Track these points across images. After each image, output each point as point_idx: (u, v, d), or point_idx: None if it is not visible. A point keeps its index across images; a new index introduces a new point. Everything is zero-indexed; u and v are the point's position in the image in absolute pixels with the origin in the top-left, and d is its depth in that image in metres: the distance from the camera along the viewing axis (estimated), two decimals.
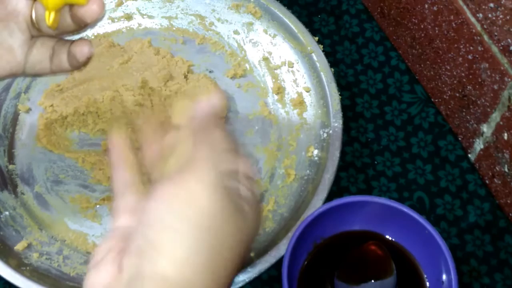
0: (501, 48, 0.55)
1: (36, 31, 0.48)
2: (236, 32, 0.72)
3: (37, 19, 0.47)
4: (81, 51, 0.49)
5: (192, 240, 0.36)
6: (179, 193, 0.37)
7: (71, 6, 0.46)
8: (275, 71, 0.70)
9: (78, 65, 0.50)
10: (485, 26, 0.56)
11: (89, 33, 0.72)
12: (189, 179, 0.37)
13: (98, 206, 0.64)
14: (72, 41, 0.50)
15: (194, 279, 0.36)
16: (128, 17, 0.73)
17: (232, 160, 0.40)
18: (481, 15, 0.56)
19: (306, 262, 0.56)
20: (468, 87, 0.62)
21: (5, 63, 0.48)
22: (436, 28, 0.63)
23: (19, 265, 0.59)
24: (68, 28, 0.48)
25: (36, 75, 0.52)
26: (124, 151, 0.43)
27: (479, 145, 0.64)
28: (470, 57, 0.60)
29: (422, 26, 0.66)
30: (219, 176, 0.38)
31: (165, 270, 0.35)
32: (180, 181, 0.37)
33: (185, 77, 0.69)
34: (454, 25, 0.60)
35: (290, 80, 0.69)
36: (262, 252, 0.59)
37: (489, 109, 0.60)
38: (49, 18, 0.46)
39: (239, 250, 0.38)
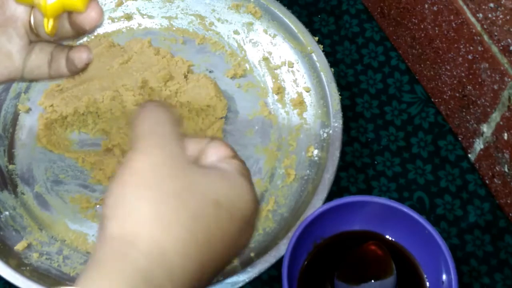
0: (501, 48, 0.55)
1: (34, 37, 0.48)
2: (236, 32, 0.72)
3: (35, 25, 0.47)
4: (80, 57, 0.49)
5: (130, 199, 0.37)
6: (122, 169, 0.38)
7: (69, 13, 0.46)
8: (275, 71, 0.70)
9: (77, 71, 0.50)
10: (485, 26, 0.56)
11: None
12: (128, 155, 0.39)
13: (98, 206, 0.64)
14: (71, 47, 0.50)
15: (136, 231, 0.36)
16: (128, 17, 0.73)
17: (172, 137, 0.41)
18: (481, 15, 0.56)
19: (306, 262, 0.56)
20: (468, 87, 0.62)
21: (3, 68, 0.48)
22: (436, 28, 0.63)
23: (19, 265, 0.59)
24: (66, 34, 0.48)
25: (34, 80, 0.52)
26: None
27: (479, 145, 0.64)
28: (470, 57, 0.60)
29: (422, 26, 0.66)
30: (151, 143, 0.39)
31: (111, 231, 0.37)
32: (126, 160, 0.39)
33: (185, 77, 0.69)
34: (454, 25, 0.60)
35: (290, 80, 0.69)
36: (262, 252, 0.59)
37: (489, 109, 0.60)
38: (48, 25, 0.46)
39: (202, 210, 0.38)
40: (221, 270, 0.41)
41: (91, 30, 0.47)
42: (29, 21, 0.47)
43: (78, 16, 0.46)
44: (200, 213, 0.37)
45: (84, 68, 0.50)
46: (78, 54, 0.49)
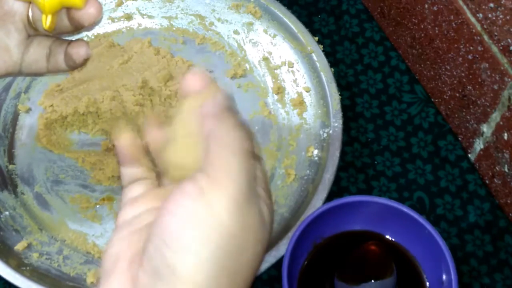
0: (501, 48, 0.55)
1: (32, 31, 0.48)
2: (236, 32, 0.72)
3: (34, 19, 0.47)
4: (78, 52, 0.49)
5: (211, 265, 0.33)
6: (199, 210, 0.34)
7: (68, 8, 0.46)
8: (275, 71, 0.70)
9: (75, 66, 0.50)
10: (485, 26, 0.56)
11: (89, 33, 0.72)
12: (210, 194, 0.34)
13: (98, 206, 0.64)
14: (69, 42, 0.50)
15: None
16: (128, 17, 0.73)
17: (253, 163, 0.36)
18: (481, 15, 0.56)
19: (306, 262, 0.56)
20: (468, 87, 0.62)
21: (1, 62, 0.48)
22: (436, 28, 0.63)
23: (19, 265, 0.59)
24: (65, 29, 0.48)
25: (32, 75, 0.52)
26: (131, 148, 0.41)
27: (479, 145, 0.64)
28: (470, 57, 0.60)
29: (422, 26, 0.66)
30: (243, 188, 0.34)
31: None
32: (200, 195, 0.34)
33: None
34: (454, 25, 0.60)
35: (290, 80, 0.69)
36: None
37: (489, 109, 0.60)
38: (46, 21, 0.46)
39: (257, 263, 0.36)
40: None
41: (90, 26, 0.46)
42: (27, 15, 0.47)
43: (77, 12, 0.45)
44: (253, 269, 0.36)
45: (82, 64, 0.50)
46: (77, 49, 0.49)
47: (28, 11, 0.47)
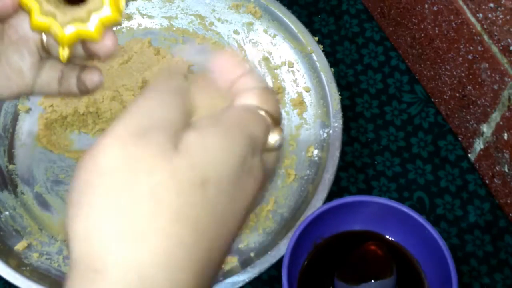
0: (501, 48, 0.55)
1: (45, 54, 0.49)
2: (236, 32, 0.72)
3: (47, 43, 0.47)
4: (92, 79, 0.49)
5: (95, 211, 0.31)
6: (88, 163, 0.32)
7: (84, 40, 0.46)
8: (275, 71, 0.70)
9: (87, 92, 0.50)
10: (485, 26, 0.56)
11: None
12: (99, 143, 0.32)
13: None
14: (83, 67, 0.50)
15: (104, 255, 0.29)
16: (128, 17, 0.73)
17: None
18: (481, 15, 0.56)
19: (306, 262, 0.56)
20: (468, 87, 0.62)
21: (14, 85, 0.48)
22: (436, 28, 0.63)
23: (19, 265, 0.59)
24: (79, 56, 0.48)
25: (45, 95, 0.52)
26: None
27: (479, 145, 0.64)
28: (470, 57, 0.60)
29: (422, 26, 0.66)
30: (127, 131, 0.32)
31: (76, 253, 0.31)
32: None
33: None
34: (454, 25, 0.60)
35: (290, 80, 0.69)
36: (262, 252, 0.59)
37: (489, 109, 0.60)
38: (63, 54, 0.46)
39: (184, 202, 0.29)
40: (238, 234, 0.33)
41: (105, 57, 0.47)
42: (41, 39, 0.47)
43: (93, 44, 0.46)
44: (182, 207, 0.29)
45: (95, 90, 0.50)
46: (90, 75, 0.49)
47: (42, 35, 0.47)
